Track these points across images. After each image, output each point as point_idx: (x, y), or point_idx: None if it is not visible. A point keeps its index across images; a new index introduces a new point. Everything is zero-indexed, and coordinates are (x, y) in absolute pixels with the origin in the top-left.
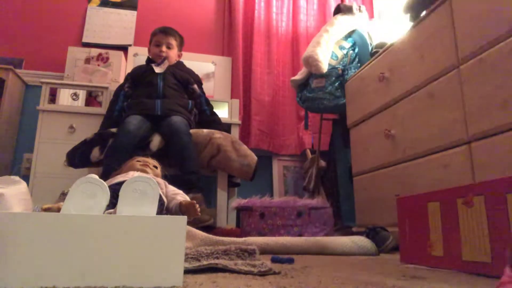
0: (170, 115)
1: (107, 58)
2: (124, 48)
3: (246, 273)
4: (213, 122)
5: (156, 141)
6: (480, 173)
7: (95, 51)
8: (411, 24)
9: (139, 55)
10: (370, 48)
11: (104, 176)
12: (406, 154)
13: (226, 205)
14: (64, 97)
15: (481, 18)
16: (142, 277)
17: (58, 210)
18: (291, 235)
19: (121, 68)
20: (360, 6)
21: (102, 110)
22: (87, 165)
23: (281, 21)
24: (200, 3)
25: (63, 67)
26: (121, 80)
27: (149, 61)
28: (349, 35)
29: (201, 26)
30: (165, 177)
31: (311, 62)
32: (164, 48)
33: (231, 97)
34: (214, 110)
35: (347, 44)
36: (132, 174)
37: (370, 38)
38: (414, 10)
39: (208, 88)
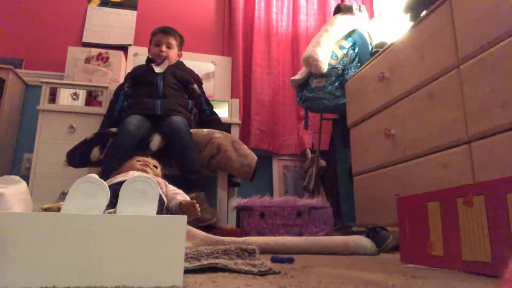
0: (170, 115)
1: (107, 58)
2: (124, 48)
3: (246, 272)
4: (213, 122)
5: (156, 141)
6: (480, 173)
7: (95, 51)
8: (411, 24)
9: (139, 55)
10: (370, 48)
11: (104, 176)
12: (406, 153)
13: (226, 205)
14: (64, 97)
15: (481, 18)
16: (142, 277)
17: (58, 210)
18: (291, 234)
19: (121, 68)
20: (360, 6)
21: (102, 110)
22: (87, 165)
23: (281, 21)
24: (200, 3)
25: (63, 67)
26: (121, 80)
27: (149, 61)
28: (349, 35)
29: (201, 26)
30: (165, 176)
31: (311, 62)
32: (164, 48)
33: (231, 97)
34: (214, 110)
35: (347, 44)
36: (132, 173)
37: (370, 38)
38: (414, 10)
39: (208, 88)
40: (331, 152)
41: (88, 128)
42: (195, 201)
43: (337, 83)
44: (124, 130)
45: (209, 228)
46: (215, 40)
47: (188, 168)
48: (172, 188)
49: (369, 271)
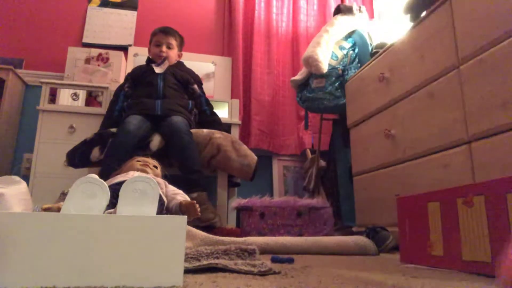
0: (170, 115)
1: (107, 58)
2: (124, 48)
3: (246, 273)
4: (213, 122)
5: (156, 141)
6: (480, 173)
7: (95, 51)
8: (411, 24)
9: (139, 55)
10: (370, 49)
11: (103, 176)
12: (406, 154)
13: (226, 205)
14: (64, 97)
15: (481, 18)
16: (142, 277)
17: (58, 210)
18: (291, 235)
19: (121, 68)
20: (360, 7)
21: (102, 110)
22: (87, 165)
23: (281, 21)
24: (200, 3)
25: (63, 67)
26: (121, 80)
27: (149, 61)
28: (349, 35)
29: (201, 26)
30: (165, 177)
31: (311, 62)
32: (164, 48)
33: (231, 97)
34: (214, 110)
35: (347, 45)
36: (132, 174)
37: (370, 38)
38: (414, 10)
39: (208, 88)
40: (331, 152)
41: (88, 129)
42: (195, 201)
43: (337, 83)
44: (124, 130)
45: (209, 228)
46: (215, 41)
47: (189, 168)
48: (172, 188)
49: (369, 271)
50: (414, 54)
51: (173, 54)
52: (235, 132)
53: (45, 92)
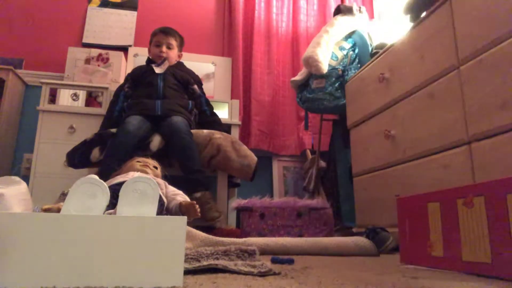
0: (170, 115)
1: (107, 59)
2: (124, 49)
3: (246, 273)
4: (213, 122)
5: (156, 141)
6: (480, 174)
7: (95, 52)
8: (411, 24)
9: (139, 56)
10: (370, 49)
11: (102, 176)
12: (406, 154)
13: (226, 205)
14: (64, 98)
15: (481, 18)
16: (142, 278)
17: (58, 210)
18: (291, 235)
19: (121, 69)
20: (360, 7)
21: (102, 110)
22: (87, 166)
23: (281, 22)
24: (200, 3)
25: (63, 68)
26: (121, 81)
27: (149, 61)
28: (349, 35)
29: (201, 27)
30: (165, 177)
31: (311, 62)
32: (164, 49)
33: (231, 98)
34: (214, 110)
35: (347, 45)
36: (132, 174)
37: (370, 38)
38: (414, 11)
39: (208, 88)
40: (331, 153)
41: (88, 129)
42: (195, 202)
43: (337, 84)
44: (124, 131)
45: (209, 229)
46: (215, 41)
47: (189, 168)
48: (172, 189)
49: (369, 272)
50: (414, 54)
51: (173, 55)
52: (235, 133)
53: (45, 92)
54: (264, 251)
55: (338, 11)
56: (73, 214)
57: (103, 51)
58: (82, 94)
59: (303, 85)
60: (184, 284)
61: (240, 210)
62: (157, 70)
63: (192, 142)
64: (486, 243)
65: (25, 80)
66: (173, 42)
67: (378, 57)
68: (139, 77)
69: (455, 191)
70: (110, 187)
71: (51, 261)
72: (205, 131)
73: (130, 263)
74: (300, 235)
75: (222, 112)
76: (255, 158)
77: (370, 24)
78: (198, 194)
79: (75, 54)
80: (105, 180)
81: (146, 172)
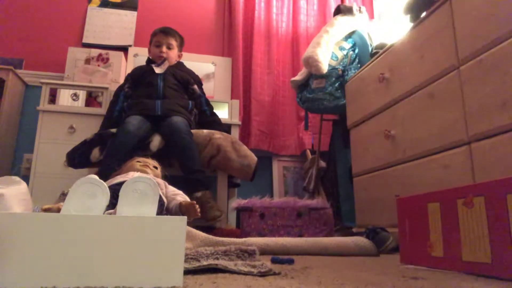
0: (170, 115)
1: (107, 59)
2: (124, 49)
3: (246, 273)
4: (213, 122)
5: (156, 141)
6: (480, 174)
7: (95, 52)
8: (411, 25)
9: (139, 56)
10: (370, 49)
11: (102, 176)
12: (406, 154)
13: (226, 205)
14: (64, 98)
15: (481, 18)
16: (142, 278)
17: (58, 210)
18: (291, 235)
19: (121, 69)
20: (360, 7)
21: (102, 110)
22: (87, 166)
23: (281, 22)
24: (200, 3)
25: (63, 68)
26: (121, 81)
27: (149, 61)
28: (349, 35)
29: (201, 27)
30: (165, 177)
31: (311, 62)
32: (164, 49)
33: (231, 98)
34: (214, 110)
35: (347, 45)
36: (132, 174)
37: (370, 39)
38: (414, 11)
39: (208, 88)
40: (331, 153)
41: (88, 129)
42: (195, 202)
43: (337, 84)
44: (124, 130)
45: (209, 229)
46: (215, 41)
47: (189, 168)
48: (172, 189)
49: (369, 272)
50: (414, 54)
51: (173, 55)
52: (235, 133)
53: (45, 93)
54: (264, 251)
55: (338, 11)
56: (73, 214)
57: (103, 51)
58: (82, 94)
59: (303, 85)
60: (184, 284)
61: (240, 210)
62: (157, 70)
63: (192, 142)
64: (486, 243)
65: (25, 80)
66: (173, 42)
67: (378, 57)
68: (139, 77)
69: (455, 191)
70: (110, 187)
71: (51, 261)
72: (205, 131)
73: (130, 263)
74: (300, 235)
75: (222, 112)
76: (255, 158)
77: (370, 24)
78: (199, 194)
79: (75, 54)
80: (105, 180)
81: (146, 172)
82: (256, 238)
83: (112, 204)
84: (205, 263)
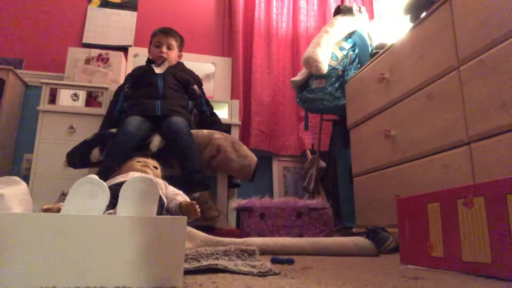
0: (170, 115)
1: (107, 59)
2: (124, 49)
3: (246, 273)
4: (213, 122)
5: (156, 141)
6: (480, 174)
7: (95, 52)
8: (411, 25)
9: (139, 56)
10: (370, 49)
11: (102, 176)
12: (406, 154)
13: (226, 205)
14: (64, 98)
15: (481, 19)
16: (142, 278)
17: (58, 210)
18: (291, 235)
19: (121, 69)
20: (360, 7)
21: (102, 110)
22: (87, 166)
23: (281, 22)
24: (200, 3)
25: (63, 68)
26: (121, 81)
27: (149, 61)
28: (349, 36)
29: (201, 27)
30: (165, 177)
31: (311, 62)
32: (164, 49)
33: (231, 98)
34: (214, 110)
35: (347, 45)
36: (132, 174)
37: (370, 39)
38: (414, 11)
39: (208, 88)
40: (331, 153)
41: (88, 129)
42: (195, 202)
43: (337, 84)
44: (124, 131)
45: (209, 229)
46: (215, 41)
47: (189, 168)
48: (172, 189)
49: (369, 272)
50: (414, 54)
51: (173, 55)
52: (235, 133)
53: (45, 93)
54: (264, 251)
55: (338, 11)
56: (73, 214)
57: (103, 51)
58: (82, 94)
59: (303, 85)
60: (184, 284)
61: (240, 210)
62: (157, 70)
63: (192, 142)
64: (486, 243)
65: (25, 80)
66: (173, 43)
67: (378, 57)
68: (139, 77)
69: (455, 191)
70: (110, 187)
71: (51, 261)
72: (205, 131)
73: (130, 263)
74: (300, 235)
75: (222, 112)
76: (255, 158)
77: (370, 24)
78: (196, 194)
79: (75, 54)
80: (105, 180)
81: (146, 172)
82: (256, 238)
83: (112, 204)
84: (205, 263)
